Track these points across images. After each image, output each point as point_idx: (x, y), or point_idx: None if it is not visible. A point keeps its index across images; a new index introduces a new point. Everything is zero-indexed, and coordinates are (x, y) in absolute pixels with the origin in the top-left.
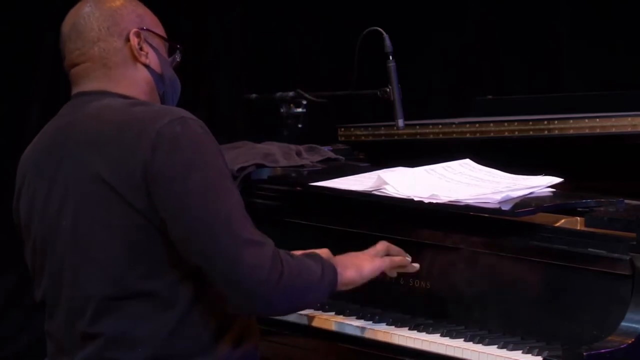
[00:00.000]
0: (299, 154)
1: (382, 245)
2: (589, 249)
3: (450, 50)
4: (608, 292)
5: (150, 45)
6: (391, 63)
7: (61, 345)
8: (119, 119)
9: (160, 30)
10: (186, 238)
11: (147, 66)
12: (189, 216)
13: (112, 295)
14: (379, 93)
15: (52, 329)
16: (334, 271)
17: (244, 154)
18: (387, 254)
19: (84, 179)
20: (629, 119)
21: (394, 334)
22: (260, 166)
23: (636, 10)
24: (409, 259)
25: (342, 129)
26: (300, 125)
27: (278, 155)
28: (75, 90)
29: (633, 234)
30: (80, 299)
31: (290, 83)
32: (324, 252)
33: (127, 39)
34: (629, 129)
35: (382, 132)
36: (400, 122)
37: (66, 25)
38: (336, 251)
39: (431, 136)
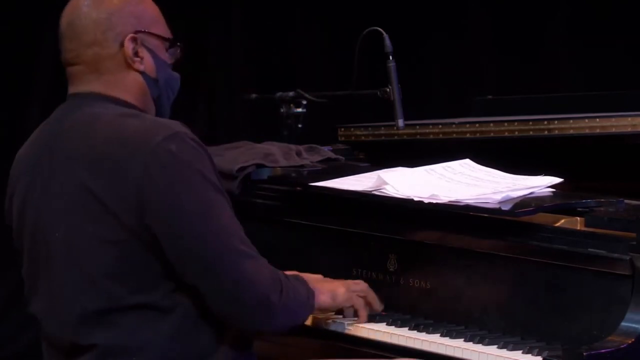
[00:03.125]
0: (299, 154)
1: (363, 287)
2: (589, 249)
3: (450, 50)
4: (608, 292)
5: (147, 48)
6: (391, 63)
7: (56, 353)
8: (110, 133)
9: (159, 28)
10: (185, 257)
11: (141, 72)
12: (187, 236)
13: (105, 309)
14: (379, 93)
15: (46, 336)
16: (314, 295)
17: (244, 154)
18: (364, 296)
19: (75, 192)
20: (629, 119)
21: (394, 334)
22: (260, 166)
23: (635, 10)
24: (380, 307)
25: (342, 129)
26: (300, 125)
27: (278, 155)
28: (70, 89)
29: (633, 234)
30: (73, 311)
31: (290, 83)
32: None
33: (122, 44)
34: (629, 129)
35: (382, 132)
36: (400, 122)
37: (63, 21)
38: (336, 251)
39: (431, 136)
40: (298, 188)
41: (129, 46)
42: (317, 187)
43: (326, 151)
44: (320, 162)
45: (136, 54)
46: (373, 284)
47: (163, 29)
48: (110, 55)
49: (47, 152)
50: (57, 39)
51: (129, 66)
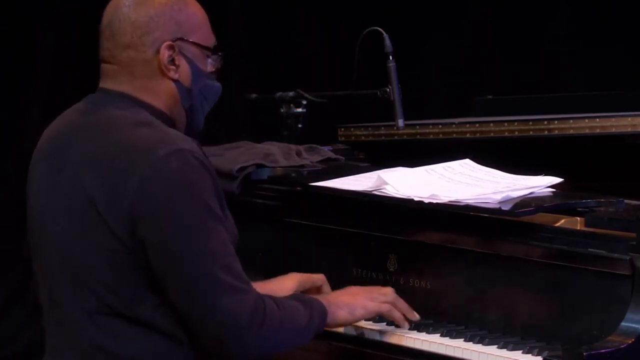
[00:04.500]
0: (299, 154)
1: (392, 297)
2: (589, 249)
3: (450, 50)
4: (608, 292)
5: (185, 56)
6: (391, 63)
7: (52, 344)
8: (118, 139)
9: (200, 35)
10: (168, 276)
11: (174, 80)
12: (172, 256)
13: (93, 310)
14: (379, 93)
15: (45, 326)
16: (322, 316)
17: (244, 154)
18: (392, 304)
19: (77, 194)
20: (629, 119)
21: (394, 334)
22: (260, 166)
23: (635, 10)
24: (416, 318)
25: (342, 129)
26: (300, 125)
27: (278, 155)
28: (102, 83)
29: (633, 234)
30: (66, 307)
31: (290, 83)
32: (319, 278)
33: (159, 51)
34: (629, 129)
35: (382, 132)
36: (400, 122)
37: (105, 18)
38: (336, 251)
39: (431, 136)
40: (298, 188)
41: (164, 54)
42: (317, 187)
43: (326, 151)
44: (320, 162)
45: (172, 61)
46: (373, 284)
47: (205, 37)
48: (145, 61)
49: (64, 144)
50: (58, 38)
51: (163, 74)
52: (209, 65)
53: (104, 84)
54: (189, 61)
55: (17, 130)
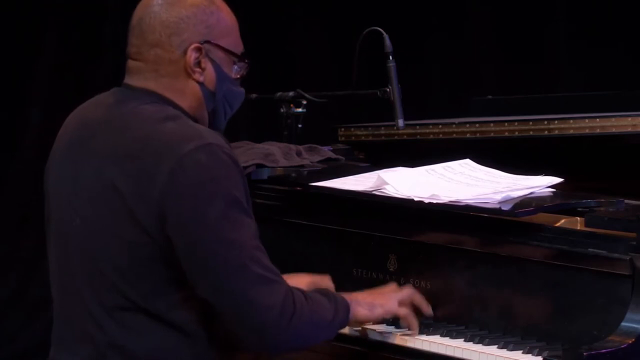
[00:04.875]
0: (299, 154)
1: (408, 292)
2: (589, 249)
3: (450, 50)
4: (608, 292)
5: (211, 60)
6: (391, 63)
7: (62, 339)
8: (144, 134)
9: (229, 41)
10: (197, 270)
11: (199, 83)
12: (202, 249)
13: (110, 305)
14: (379, 93)
15: (55, 319)
16: (346, 311)
17: (244, 154)
18: (410, 301)
19: (102, 187)
20: (629, 119)
21: (395, 334)
22: (260, 166)
23: (635, 10)
24: (429, 312)
25: (342, 129)
26: (300, 125)
27: (278, 155)
28: (125, 79)
29: (633, 234)
30: (83, 301)
31: (290, 83)
32: (329, 284)
33: (186, 52)
34: (629, 129)
35: (382, 132)
36: (400, 122)
37: (135, 15)
38: (336, 251)
39: (431, 136)
40: (298, 188)
41: (191, 55)
42: (317, 187)
43: (326, 151)
44: (320, 162)
45: (199, 64)
46: (373, 284)
47: (234, 43)
48: (171, 60)
49: (88, 136)
50: (58, 38)
51: (188, 75)
52: (235, 71)
53: (129, 80)
54: (215, 65)
55: (17, 130)
